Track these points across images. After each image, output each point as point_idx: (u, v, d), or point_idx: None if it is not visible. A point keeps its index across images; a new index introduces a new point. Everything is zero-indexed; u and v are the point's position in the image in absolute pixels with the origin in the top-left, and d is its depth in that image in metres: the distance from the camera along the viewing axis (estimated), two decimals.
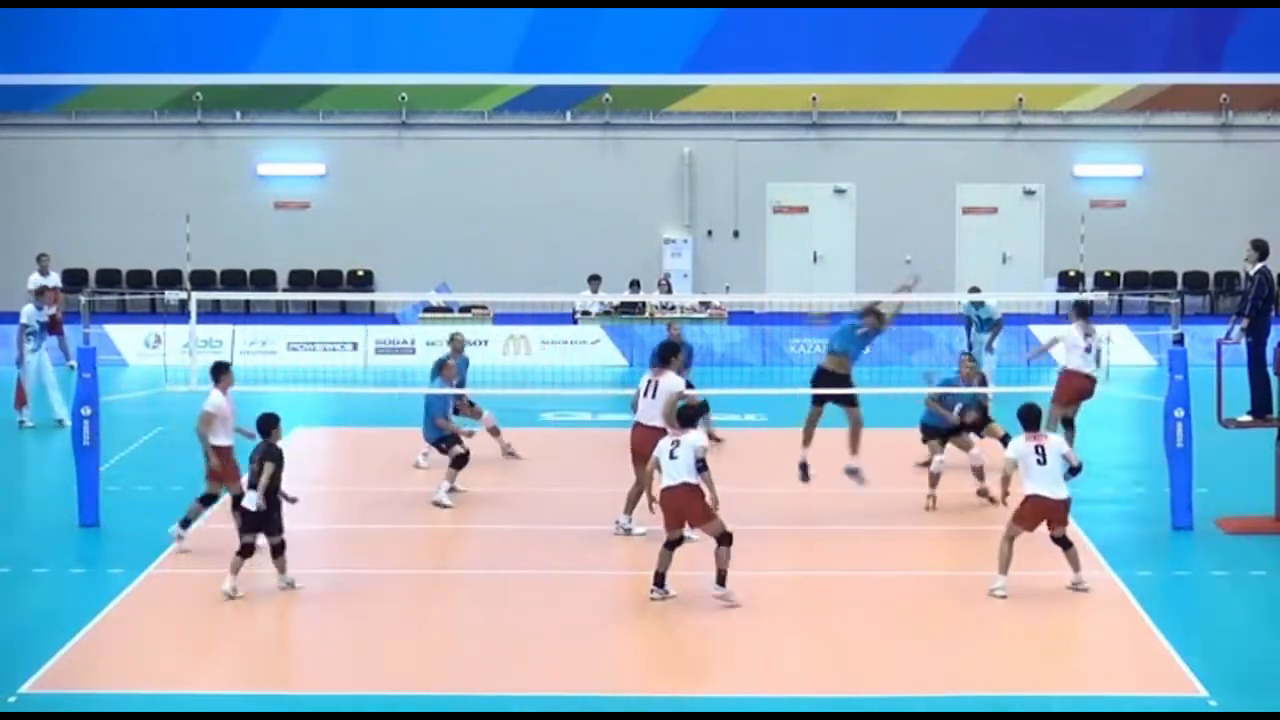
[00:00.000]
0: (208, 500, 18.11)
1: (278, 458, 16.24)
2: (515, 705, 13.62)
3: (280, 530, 16.30)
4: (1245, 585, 17.27)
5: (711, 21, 38.27)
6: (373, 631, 15.50)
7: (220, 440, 17.88)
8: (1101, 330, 32.59)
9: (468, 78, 38.76)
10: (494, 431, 23.26)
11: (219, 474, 17.91)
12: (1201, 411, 19.34)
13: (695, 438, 16.15)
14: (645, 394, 18.46)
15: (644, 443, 18.05)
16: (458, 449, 20.69)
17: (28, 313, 27.22)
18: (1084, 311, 22.32)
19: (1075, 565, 16.48)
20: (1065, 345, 22.48)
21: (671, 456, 16.01)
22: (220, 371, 18.05)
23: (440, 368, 21.62)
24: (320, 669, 14.65)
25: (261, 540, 16.30)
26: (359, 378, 31.13)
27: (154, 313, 36.56)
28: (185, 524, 18.09)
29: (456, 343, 22.40)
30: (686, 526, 16.16)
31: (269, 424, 16.35)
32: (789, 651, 15.08)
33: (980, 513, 19.81)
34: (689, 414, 16.52)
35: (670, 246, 38.55)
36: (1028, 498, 16.42)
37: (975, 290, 29.78)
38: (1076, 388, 22.04)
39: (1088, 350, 22.09)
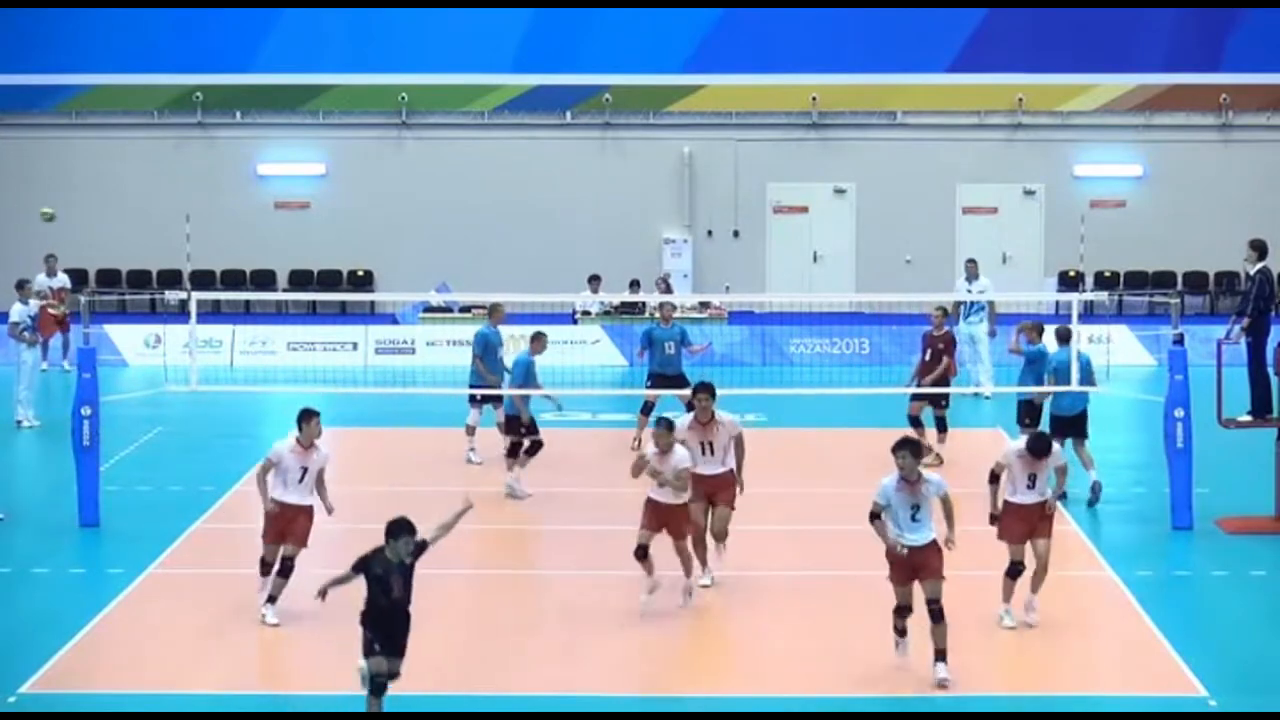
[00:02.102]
0: None
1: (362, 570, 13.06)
2: (515, 705, 13.63)
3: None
4: (1245, 585, 17.28)
5: (711, 21, 38.24)
6: None
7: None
8: (1101, 330, 32.86)
9: (468, 78, 38.73)
10: (503, 429, 23.26)
11: None
12: (1201, 411, 19.35)
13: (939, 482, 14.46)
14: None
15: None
16: (536, 437, 21.05)
17: (17, 311, 27.16)
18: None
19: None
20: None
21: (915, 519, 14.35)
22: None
23: (535, 339, 22.00)
24: (320, 669, 14.65)
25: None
26: (359, 378, 31.11)
27: (154, 313, 36.54)
28: None
29: (539, 342, 22.44)
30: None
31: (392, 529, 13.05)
32: (789, 652, 15.08)
33: (979, 512, 19.78)
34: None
35: (670, 246, 38.52)
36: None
37: (972, 262, 29.90)
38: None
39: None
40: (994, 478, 15.57)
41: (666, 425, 16.06)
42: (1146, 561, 17.97)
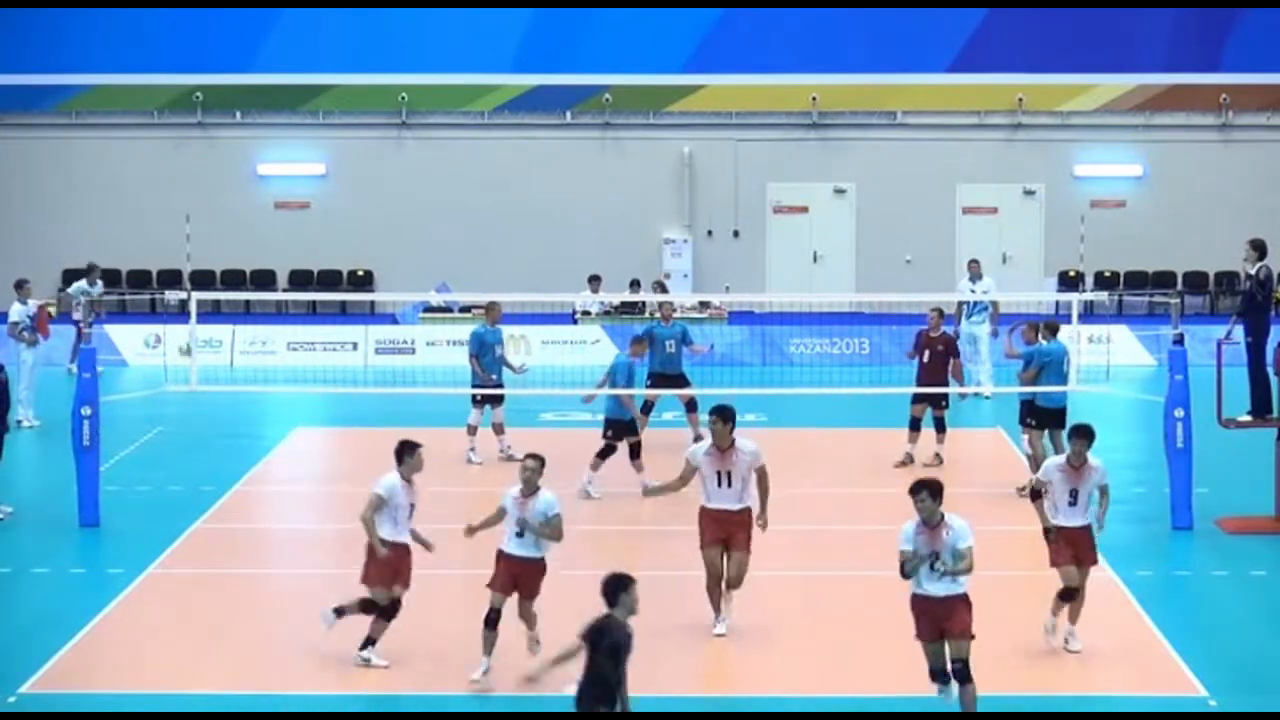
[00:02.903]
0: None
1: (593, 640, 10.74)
2: (515, 705, 13.62)
3: None
4: (1245, 585, 17.28)
5: (711, 21, 38.22)
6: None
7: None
8: (1101, 330, 32.88)
9: (468, 78, 38.72)
10: (498, 429, 23.30)
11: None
12: (1201, 411, 19.35)
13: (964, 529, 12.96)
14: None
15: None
16: (635, 438, 21.18)
17: (17, 311, 27.13)
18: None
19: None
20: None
21: (934, 569, 12.99)
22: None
23: (636, 341, 22.43)
24: (320, 669, 14.64)
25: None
26: (359, 378, 31.13)
27: (154, 313, 36.53)
28: None
29: (640, 345, 22.58)
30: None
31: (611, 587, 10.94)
32: (790, 652, 15.07)
33: (979, 512, 19.78)
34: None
35: (670, 246, 38.51)
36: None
37: (975, 263, 29.94)
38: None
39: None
40: (1036, 495, 14.88)
41: (538, 462, 14.34)
42: (1146, 561, 17.97)
